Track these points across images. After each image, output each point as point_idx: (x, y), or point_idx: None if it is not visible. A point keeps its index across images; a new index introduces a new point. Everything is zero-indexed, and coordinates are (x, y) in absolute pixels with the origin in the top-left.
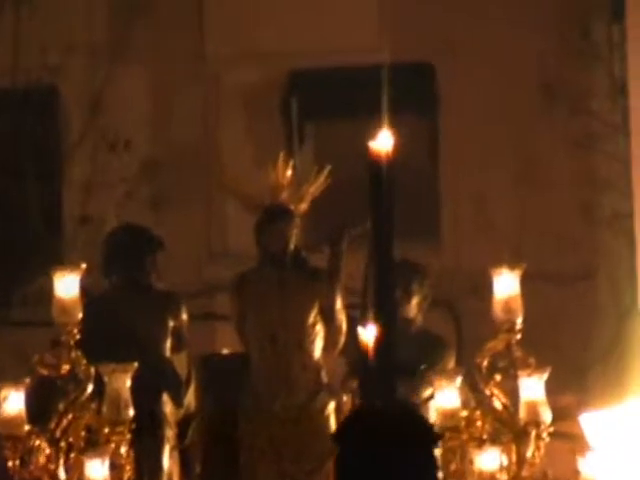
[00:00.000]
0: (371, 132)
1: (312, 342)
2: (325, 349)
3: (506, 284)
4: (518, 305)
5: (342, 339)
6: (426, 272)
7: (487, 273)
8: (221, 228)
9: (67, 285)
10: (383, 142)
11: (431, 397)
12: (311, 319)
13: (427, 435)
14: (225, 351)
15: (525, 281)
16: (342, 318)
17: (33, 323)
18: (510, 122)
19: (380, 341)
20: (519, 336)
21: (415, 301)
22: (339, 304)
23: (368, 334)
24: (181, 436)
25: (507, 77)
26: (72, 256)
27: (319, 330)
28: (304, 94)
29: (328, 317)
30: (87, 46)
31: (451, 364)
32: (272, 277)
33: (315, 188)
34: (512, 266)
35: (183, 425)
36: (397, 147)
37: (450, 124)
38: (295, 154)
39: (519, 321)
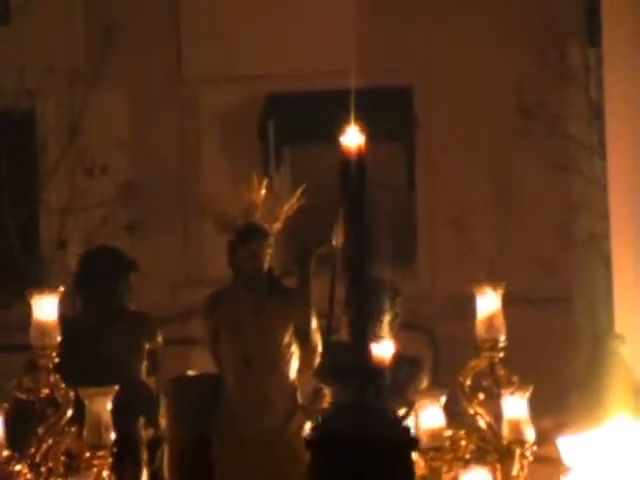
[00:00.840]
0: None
1: (287, 363)
2: (299, 370)
3: (488, 303)
4: (500, 323)
5: (317, 360)
6: (397, 290)
7: (465, 296)
8: (198, 252)
9: (46, 308)
10: (353, 137)
11: (406, 415)
12: (286, 340)
13: (404, 440)
14: (193, 373)
15: (502, 303)
16: (317, 338)
17: (9, 348)
18: (488, 144)
19: (358, 336)
20: (501, 354)
21: (386, 319)
22: (314, 324)
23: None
24: (150, 458)
25: (485, 100)
26: (50, 280)
27: (294, 351)
28: (281, 117)
29: (303, 338)
30: (65, 70)
31: (424, 384)
32: (246, 298)
33: (289, 207)
34: (494, 285)
35: (151, 447)
36: (367, 145)
37: (427, 147)
38: (272, 177)
39: (502, 339)
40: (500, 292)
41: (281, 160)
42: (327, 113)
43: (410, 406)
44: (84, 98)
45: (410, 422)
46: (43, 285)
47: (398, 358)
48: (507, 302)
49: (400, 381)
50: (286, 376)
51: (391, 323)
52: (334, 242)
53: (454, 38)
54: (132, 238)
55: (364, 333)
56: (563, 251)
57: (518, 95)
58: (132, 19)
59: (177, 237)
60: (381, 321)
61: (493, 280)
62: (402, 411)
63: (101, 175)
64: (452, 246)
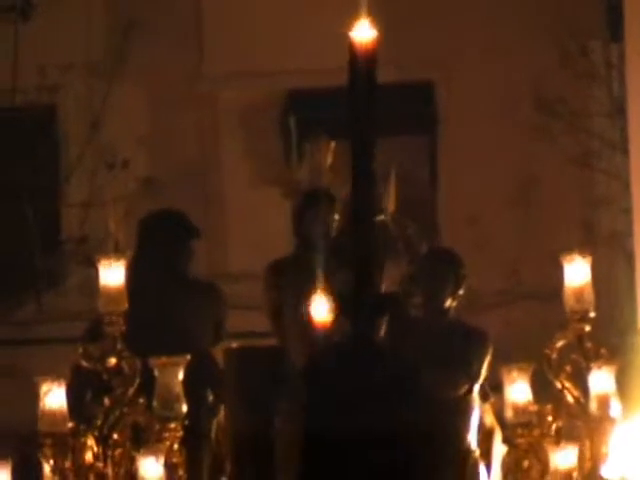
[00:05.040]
0: None
1: None
2: None
3: (578, 272)
4: (590, 294)
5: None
6: (461, 262)
7: (482, 291)
8: (219, 247)
9: (112, 273)
10: (364, 32)
11: (469, 392)
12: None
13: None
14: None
15: (523, 300)
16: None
17: (31, 341)
18: (509, 140)
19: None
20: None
21: (449, 291)
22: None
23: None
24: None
25: (506, 96)
26: (71, 276)
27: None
28: (302, 113)
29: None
30: (85, 65)
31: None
32: (312, 265)
33: (321, 164)
34: (583, 253)
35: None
36: (377, 41)
37: (449, 143)
38: (293, 173)
39: (592, 311)
40: (589, 260)
41: (302, 156)
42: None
43: (473, 379)
44: (105, 94)
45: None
46: (62, 282)
47: (462, 329)
48: (527, 298)
49: (464, 353)
50: None
51: (454, 294)
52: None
53: (476, 34)
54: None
55: (368, 267)
56: (585, 248)
57: (539, 91)
58: (152, 15)
59: (194, 245)
60: (444, 292)
61: (514, 277)
62: (465, 387)
63: (122, 170)
64: (472, 242)
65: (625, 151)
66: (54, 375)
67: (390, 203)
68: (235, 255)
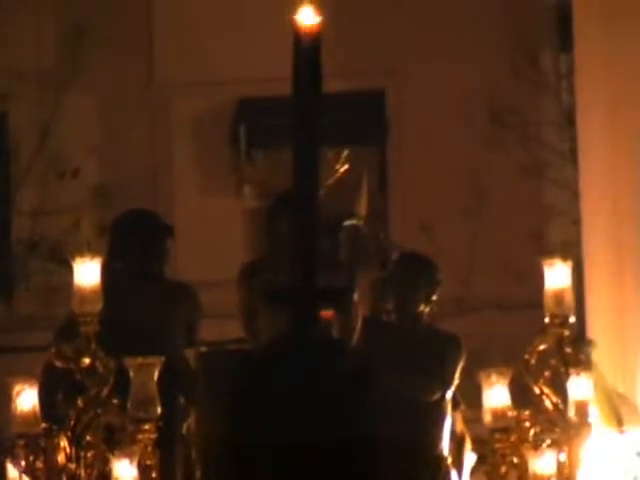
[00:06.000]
0: None
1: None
2: None
3: (558, 276)
4: (571, 298)
5: (356, 334)
6: (435, 267)
7: (437, 300)
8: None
9: (87, 273)
10: (308, 18)
11: (442, 398)
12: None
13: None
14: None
15: (473, 309)
16: (359, 309)
17: None
18: (460, 150)
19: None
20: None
21: (421, 296)
22: (356, 296)
23: None
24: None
25: (456, 106)
26: (22, 283)
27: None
28: (252, 122)
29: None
30: (36, 74)
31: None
32: (285, 267)
33: (332, 173)
34: (564, 257)
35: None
36: (321, 25)
37: (399, 151)
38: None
39: (572, 316)
40: (570, 264)
41: (253, 164)
42: None
43: (446, 385)
44: (55, 102)
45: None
46: (14, 288)
47: (435, 335)
48: (478, 308)
49: (437, 359)
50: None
51: (426, 299)
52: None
53: (426, 43)
54: (104, 241)
55: (310, 253)
56: (534, 257)
57: (490, 101)
58: (104, 23)
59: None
60: (416, 297)
61: (465, 286)
62: (437, 394)
63: (73, 179)
64: (423, 251)
65: (575, 161)
66: (26, 376)
67: (362, 208)
68: (184, 263)
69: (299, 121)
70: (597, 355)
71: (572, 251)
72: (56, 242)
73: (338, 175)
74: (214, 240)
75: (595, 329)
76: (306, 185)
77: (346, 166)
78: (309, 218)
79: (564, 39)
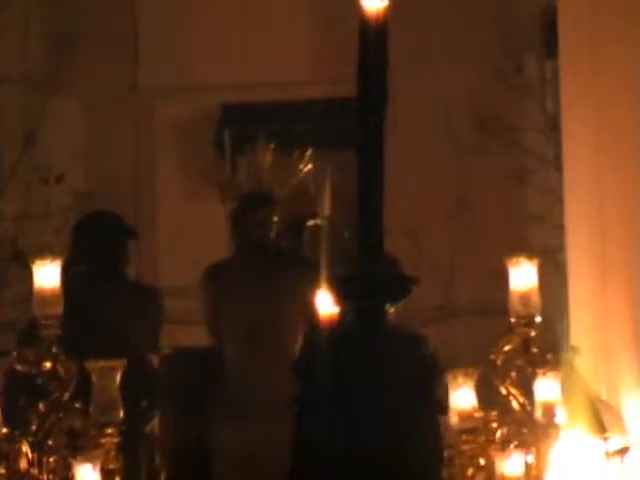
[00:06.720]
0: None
1: (293, 337)
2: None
3: (524, 275)
4: (537, 298)
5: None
6: (398, 265)
7: (420, 307)
8: (151, 261)
9: (48, 275)
10: (374, 1)
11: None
12: (293, 312)
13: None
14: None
15: (456, 315)
16: None
17: None
18: (443, 156)
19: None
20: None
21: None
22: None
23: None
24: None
25: (440, 112)
26: (4, 291)
27: (300, 326)
28: (237, 127)
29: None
30: (21, 78)
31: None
32: (252, 267)
33: (296, 173)
34: (530, 256)
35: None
36: (388, 9)
37: (384, 158)
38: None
39: (538, 315)
40: (536, 263)
41: (237, 170)
42: (283, 123)
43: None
44: (40, 107)
45: None
46: None
47: (402, 332)
48: (460, 314)
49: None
50: (292, 351)
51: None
52: (324, 213)
53: (408, 50)
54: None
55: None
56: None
57: (474, 107)
58: (88, 28)
59: (130, 246)
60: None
61: (448, 291)
62: None
63: (57, 184)
64: (407, 257)
65: (559, 167)
66: None
67: (325, 207)
68: (165, 269)
69: (364, 118)
70: (580, 361)
71: (555, 257)
72: (39, 248)
73: (302, 175)
74: (197, 245)
75: (578, 335)
76: (371, 186)
77: (309, 166)
78: (377, 209)
79: (549, 44)
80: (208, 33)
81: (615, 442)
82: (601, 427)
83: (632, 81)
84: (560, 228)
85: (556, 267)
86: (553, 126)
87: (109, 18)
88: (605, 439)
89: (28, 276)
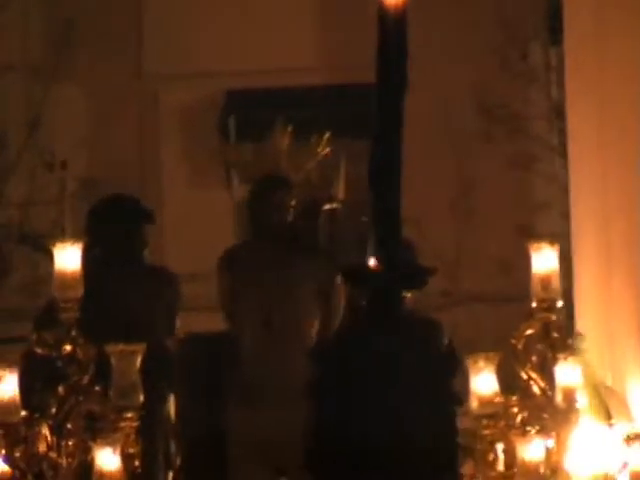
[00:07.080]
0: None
1: (308, 322)
2: (318, 333)
3: (545, 260)
4: (558, 282)
5: (337, 321)
6: (415, 251)
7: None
8: (157, 246)
9: (68, 258)
10: None
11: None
12: (309, 298)
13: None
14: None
15: (461, 302)
16: (340, 297)
17: None
18: (449, 144)
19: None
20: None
21: None
22: (338, 280)
23: None
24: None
25: (445, 99)
26: (11, 275)
27: (316, 311)
28: (242, 114)
29: (324, 299)
30: (24, 66)
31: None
32: (268, 252)
33: (313, 157)
34: (552, 241)
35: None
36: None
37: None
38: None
39: (559, 300)
40: (557, 248)
41: (242, 156)
42: (288, 110)
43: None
44: (43, 93)
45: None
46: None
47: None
48: (465, 301)
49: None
50: (307, 336)
51: None
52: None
53: (413, 37)
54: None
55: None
56: (522, 250)
57: (479, 95)
58: (92, 14)
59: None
60: None
61: (453, 279)
62: None
63: (61, 171)
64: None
65: (563, 154)
66: (6, 363)
67: (340, 191)
68: (172, 256)
69: (383, 106)
70: (585, 348)
71: (560, 244)
72: (43, 233)
73: (319, 159)
74: (203, 232)
75: (583, 322)
76: (386, 176)
77: (327, 149)
78: (395, 196)
79: (554, 32)
80: (213, 19)
81: (620, 429)
82: (607, 414)
83: (636, 73)
84: (565, 216)
85: (561, 254)
86: (558, 113)
87: (113, 5)
88: (610, 426)
89: (32, 262)
